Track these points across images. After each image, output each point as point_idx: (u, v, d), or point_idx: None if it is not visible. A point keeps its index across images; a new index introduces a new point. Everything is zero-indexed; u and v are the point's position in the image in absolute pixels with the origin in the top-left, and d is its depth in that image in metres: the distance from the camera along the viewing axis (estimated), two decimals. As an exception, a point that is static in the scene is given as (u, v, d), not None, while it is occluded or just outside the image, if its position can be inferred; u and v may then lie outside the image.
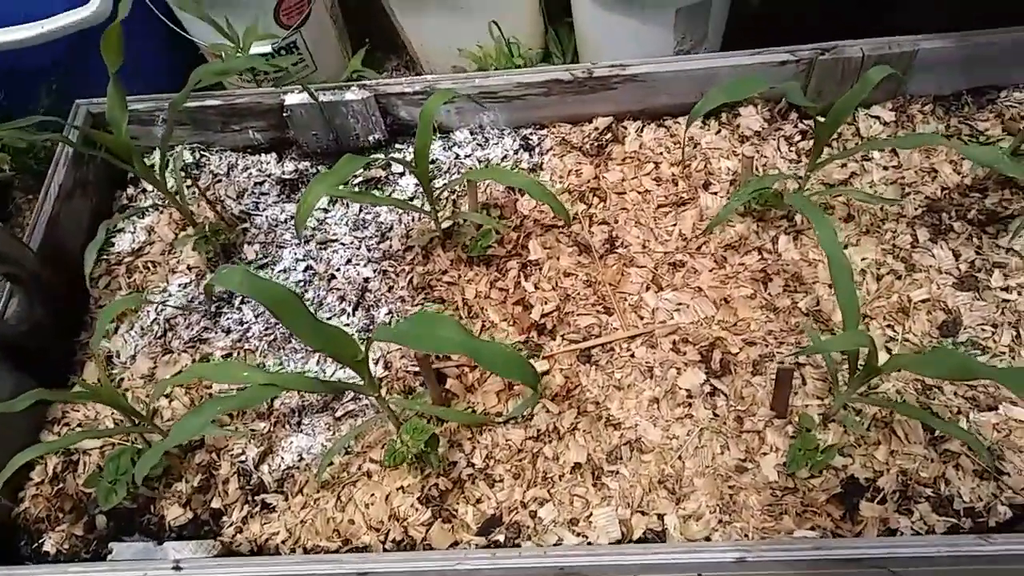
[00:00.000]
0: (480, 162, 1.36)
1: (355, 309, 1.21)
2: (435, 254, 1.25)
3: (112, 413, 1.14)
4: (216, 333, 1.21)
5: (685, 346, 1.10)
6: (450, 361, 1.12)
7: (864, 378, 0.91)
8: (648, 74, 1.29)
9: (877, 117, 1.29)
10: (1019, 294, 1.09)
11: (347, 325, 1.19)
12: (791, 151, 1.28)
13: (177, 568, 0.91)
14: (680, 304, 1.14)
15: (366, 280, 1.24)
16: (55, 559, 1.05)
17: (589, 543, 0.96)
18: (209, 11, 1.28)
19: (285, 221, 1.33)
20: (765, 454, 1.00)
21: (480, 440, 1.06)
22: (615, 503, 0.99)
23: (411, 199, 1.33)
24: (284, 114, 1.34)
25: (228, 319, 1.22)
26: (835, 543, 0.89)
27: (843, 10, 1.39)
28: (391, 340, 0.93)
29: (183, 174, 1.38)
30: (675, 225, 1.22)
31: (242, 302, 1.24)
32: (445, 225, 1.25)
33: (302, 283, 1.25)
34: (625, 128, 1.36)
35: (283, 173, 1.40)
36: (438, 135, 1.40)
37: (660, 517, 0.97)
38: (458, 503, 1.01)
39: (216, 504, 1.05)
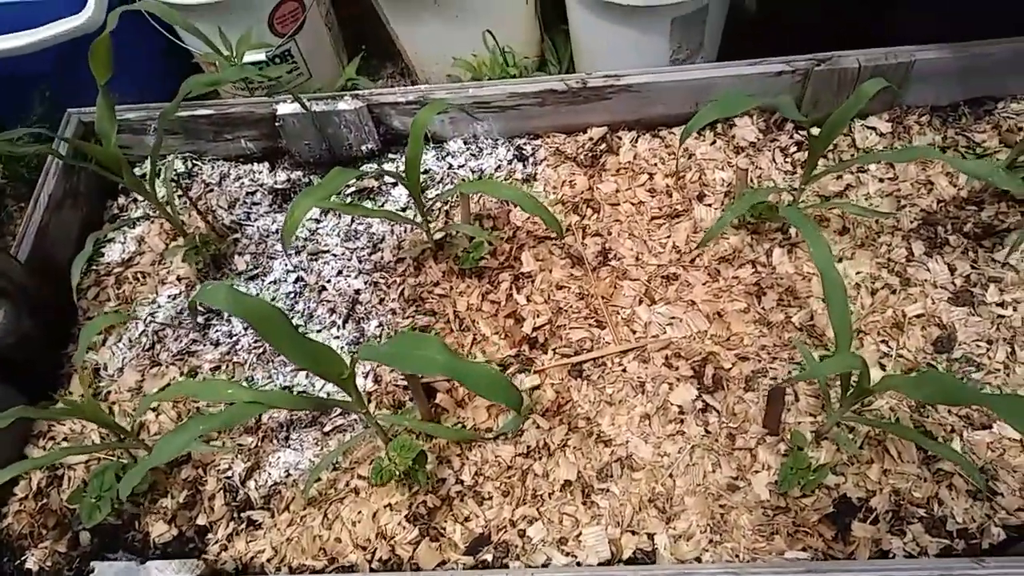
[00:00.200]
0: (474, 172, 1.35)
1: (345, 321, 1.20)
2: (427, 266, 1.24)
3: (98, 427, 1.13)
4: (205, 346, 1.20)
5: (677, 361, 1.09)
6: (439, 375, 1.11)
7: (856, 398, 0.89)
8: (643, 84, 1.28)
9: (873, 128, 1.28)
10: (1014, 309, 1.07)
11: (337, 338, 1.18)
12: (786, 162, 1.27)
13: (159, 588, 0.90)
14: (673, 318, 1.13)
15: (357, 292, 1.23)
16: (38, 576, 1.03)
17: (578, 563, 0.95)
18: (203, 19, 1.27)
19: (276, 231, 1.32)
20: (757, 472, 0.99)
21: (469, 456, 1.04)
22: (605, 522, 0.97)
23: (404, 209, 1.32)
24: (277, 124, 1.33)
25: (217, 331, 1.21)
26: (827, 565, 0.88)
27: (839, 20, 1.38)
28: (376, 360, 0.92)
29: (174, 184, 1.38)
30: (669, 237, 1.21)
31: (231, 315, 1.23)
32: (437, 236, 1.24)
33: (292, 295, 1.24)
34: (619, 138, 1.34)
35: (275, 183, 1.39)
36: (432, 145, 1.39)
37: (650, 536, 0.96)
38: (446, 521, 1.00)
39: (201, 521, 1.04)
